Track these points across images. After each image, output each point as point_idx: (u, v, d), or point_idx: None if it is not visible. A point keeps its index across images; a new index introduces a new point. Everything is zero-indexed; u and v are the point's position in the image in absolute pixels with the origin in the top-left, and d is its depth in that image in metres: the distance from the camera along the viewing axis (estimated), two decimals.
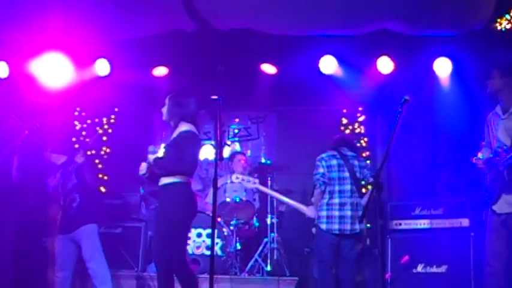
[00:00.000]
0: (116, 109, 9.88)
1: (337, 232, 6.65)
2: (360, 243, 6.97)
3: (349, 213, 6.70)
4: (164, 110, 6.64)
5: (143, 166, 6.49)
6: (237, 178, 7.27)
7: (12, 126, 7.84)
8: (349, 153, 6.99)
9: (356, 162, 6.96)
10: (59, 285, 7.22)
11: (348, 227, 6.68)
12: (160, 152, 6.41)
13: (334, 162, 6.82)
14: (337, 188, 6.74)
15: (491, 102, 6.46)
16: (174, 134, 6.47)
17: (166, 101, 6.64)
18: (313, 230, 7.02)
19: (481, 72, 7.65)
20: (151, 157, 6.38)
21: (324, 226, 6.67)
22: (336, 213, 6.68)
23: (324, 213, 6.71)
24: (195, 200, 6.49)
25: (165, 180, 6.34)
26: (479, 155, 6.61)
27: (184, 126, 6.44)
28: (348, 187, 6.76)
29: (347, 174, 6.80)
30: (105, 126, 9.94)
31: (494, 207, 6.30)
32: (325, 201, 6.74)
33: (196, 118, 6.63)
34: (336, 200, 6.71)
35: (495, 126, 6.47)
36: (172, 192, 6.30)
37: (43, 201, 8.11)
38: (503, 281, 6.11)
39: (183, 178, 6.32)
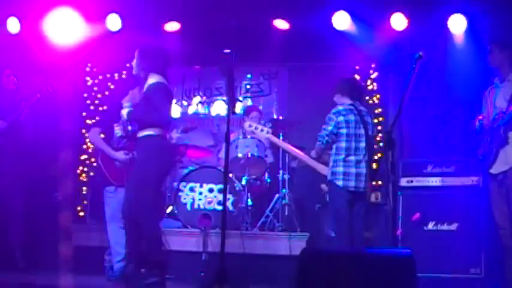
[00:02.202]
0: (128, 64, 9.84)
1: (352, 189, 6.65)
2: (366, 200, 7.00)
3: (364, 170, 6.69)
4: (133, 63, 6.75)
5: (117, 128, 6.61)
6: (250, 126, 7.17)
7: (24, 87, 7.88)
8: (362, 107, 6.96)
9: (369, 120, 6.95)
10: (112, 237, 7.29)
11: (362, 184, 6.69)
12: (124, 111, 6.46)
13: (352, 117, 6.76)
14: (353, 144, 6.71)
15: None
16: (144, 88, 6.56)
17: (135, 53, 6.72)
18: (323, 186, 7.01)
19: (496, 30, 7.60)
20: (124, 111, 6.44)
21: (340, 183, 6.65)
22: (353, 170, 6.67)
23: (340, 169, 6.67)
24: (171, 153, 6.66)
25: (140, 134, 6.48)
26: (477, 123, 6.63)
27: (153, 79, 6.53)
28: (363, 144, 6.74)
29: (363, 131, 6.77)
30: (117, 82, 9.92)
31: (491, 171, 6.33)
32: (341, 157, 6.69)
33: (165, 70, 6.70)
34: (352, 158, 6.69)
35: (494, 97, 6.49)
36: (147, 145, 6.44)
37: (55, 159, 8.16)
38: None
39: (157, 131, 6.46)
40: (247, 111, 9.27)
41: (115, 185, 7.21)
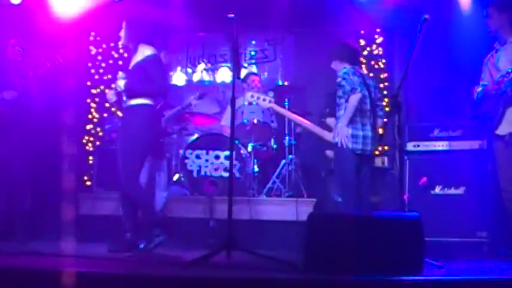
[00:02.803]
0: None
1: (359, 152, 6.63)
2: (372, 164, 6.98)
3: (369, 133, 6.66)
4: (121, 33, 6.79)
5: (110, 93, 6.63)
6: (252, 96, 7.10)
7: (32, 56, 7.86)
8: (362, 70, 6.93)
9: (371, 82, 6.91)
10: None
11: (369, 147, 6.67)
12: (121, 82, 6.47)
13: (356, 79, 6.67)
14: (359, 106, 6.63)
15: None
16: (138, 58, 6.61)
17: (123, 24, 6.78)
18: (328, 152, 6.98)
19: None
20: (121, 82, 6.44)
21: (349, 145, 6.59)
22: (360, 132, 6.63)
23: (348, 131, 6.63)
24: (159, 123, 6.69)
25: (133, 101, 6.52)
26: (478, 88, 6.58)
27: (148, 50, 6.60)
28: (368, 107, 6.70)
29: (366, 93, 6.72)
30: (121, 51, 9.87)
31: (497, 132, 6.28)
32: (357, 119, 6.65)
33: (153, 40, 6.74)
34: (358, 119, 6.64)
35: (495, 60, 6.43)
36: (138, 113, 6.50)
37: (60, 129, 8.16)
38: None
39: (150, 100, 6.53)
40: (245, 77, 9.21)
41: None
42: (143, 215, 6.59)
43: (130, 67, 6.70)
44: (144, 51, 6.60)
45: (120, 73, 6.64)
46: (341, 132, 6.62)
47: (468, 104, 7.34)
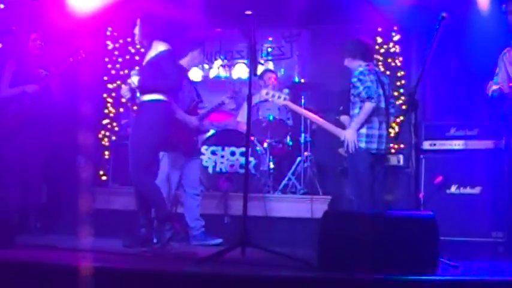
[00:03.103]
0: None
1: (374, 152, 6.60)
2: (385, 162, 6.97)
3: (385, 132, 6.64)
4: (136, 30, 6.81)
5: (125, 89, 6.64)
6: (267, 94, 7.09)
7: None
8: (377, 68, 6.91)
9: (385, 79, 6.87)
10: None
11: (383, 146, 6.65)
12: (135, 78, 6.48)
13: (373, 77, 6.63)
14: (375, 106, 6.60)
15: None
16: (152, 54, 6.63)
17: (138, 21, 6.78)
18: (341, 150, 6.96)
19: None
20: (135, 79, 6.45)
21: (363, 145, 6.57)
22: (376, 132, 6.59)
23: (363, 131, 6.58)
24: (172, 119, 6.76)
25: (147, 97, 6.53)
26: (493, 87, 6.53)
27: (161, 46, 6.60)
28: (383, 105, 6.66)
29: (381, 91, 6.68)
30: (138, 46, 9.89)
31: None
32: (372, 118, 6.61)
33: (168, 37, 6.74)
34: (375, 118, 6.60)
35: None
36: (150, 109, 6.51)
37: (77, 123, 8.19)
38: None
39: (163, 96, 6.53)
40: (261, 74, 9.20)
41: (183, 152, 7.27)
42: (154, 211, 6.62)
43: (144, 63, 6.73)
44: (158, 47, 6.60)
45: (134, 71, 6.67)
46: (349, 137, 6.63)
47: (484, 103, 7.32)
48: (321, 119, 7.04)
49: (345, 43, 6.99)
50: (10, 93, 7.61)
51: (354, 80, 6.60)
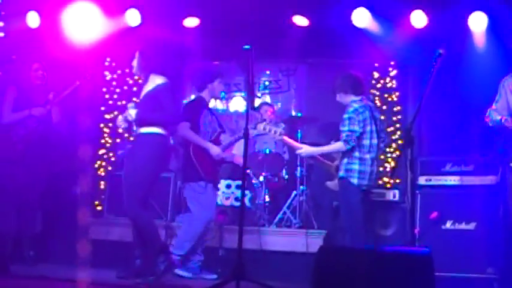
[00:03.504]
0: None
1: (364, 188, 6.60)
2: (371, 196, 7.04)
3: (375, 168, 6.66)
4: (134, 63, 6.87)
5: (120, 119, 6.67)
6: (264, 129, 7.11)
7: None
8: (370, 102, 6.94)
9: (377, 115, 6.90)
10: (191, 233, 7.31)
11: (373, 182, 6.67)
12: (132, 111, 6.51)
13: (367, 114, 6.65)
14: (368, 142, 6.60)
15: None
16: (149, 87, 6.70)
17: (136, 54, 6.86)
18: (328, 183, 6.99)
19: None
20: (132, 111, 6.52)
21: (355, 181, 6.55)
22: (368, 168, 6.59)
23: (356, 167, 6.57)
24: (169, 154, 6.92)
25: (144, 130, 6.58)
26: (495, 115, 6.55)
27: (159, 79, 6.68)
28: (375, 141, 6.66)
29: (374, 127, 6.69)
30: (136, 77, 9.93)
31: None
32: (357, 154, 6.58)
33: (166, 71, 6.84)
34: (367, 156, 6.60)
35: None
36: (146, 142, 6.56)
37: (74, 153, 8.20)
38: None
39: (161, 129, 6.59)
40: (259, 107, 9.24)
41: (205, 180, 7.18)
42: (147, 243, 6.58)
43: (141, 96, 6.77)
44: (155, 80, 6.67)
45: (131, 104, 6.71)
46: (303, 151, 6.83)
47: (481, 136, 7.36)
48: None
49: (336, 79, 7.02)
50: (14, 118, 7.66)
51: (346, 116, 6.62)
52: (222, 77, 7.48)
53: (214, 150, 7.21)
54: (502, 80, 6.72)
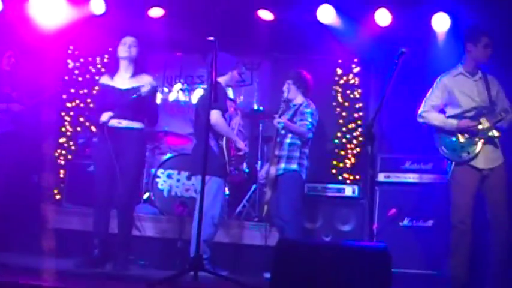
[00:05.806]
0: (110, 49, 9.77)
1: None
2: None
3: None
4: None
5: (106, 115, 6.63)
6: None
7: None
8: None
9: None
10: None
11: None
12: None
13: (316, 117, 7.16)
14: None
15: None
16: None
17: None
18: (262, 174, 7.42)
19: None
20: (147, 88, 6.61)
21: (304, 176, 6.97)
22: (308, 163, 7.03)
23: (305, 162, 7.00)
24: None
25: (130, 125, 6.70)
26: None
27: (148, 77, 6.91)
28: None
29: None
30: (98, 66, 9.87)
31: (473, 163, 6.29)
32: (306, 151, 7.01)
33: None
34: (307, 151, 7.04)
35: (467, 88, 6.47)
36: (141, 137, 6.82)
37: (33, 141, 8.13)
38: (472, 240, 6.19)
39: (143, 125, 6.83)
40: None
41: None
42: (124, 236, 6.67)
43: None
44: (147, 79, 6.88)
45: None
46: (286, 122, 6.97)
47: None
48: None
49: (294, 71, 7.35)
50: None
51: (308, 110, 6.87)
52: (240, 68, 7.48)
53: (242, 144, 7.13)
54: (440, 78, 6.79)
